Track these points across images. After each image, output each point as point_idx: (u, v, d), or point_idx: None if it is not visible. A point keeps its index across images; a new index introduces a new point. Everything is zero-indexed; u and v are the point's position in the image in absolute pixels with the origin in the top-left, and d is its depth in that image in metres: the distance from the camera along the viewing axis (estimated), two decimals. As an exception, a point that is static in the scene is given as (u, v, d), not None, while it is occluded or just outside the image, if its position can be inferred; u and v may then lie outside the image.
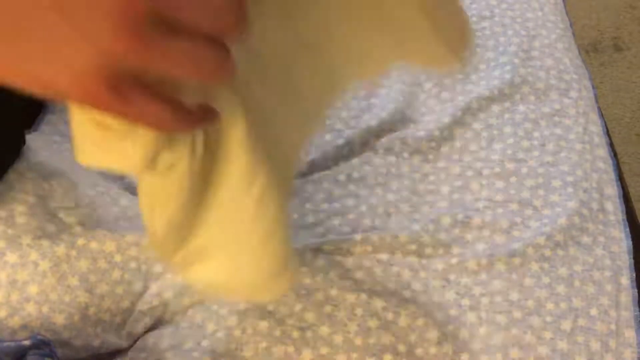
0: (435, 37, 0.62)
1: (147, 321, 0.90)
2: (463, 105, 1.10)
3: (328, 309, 0.89)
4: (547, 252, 0.94)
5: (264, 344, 0.86)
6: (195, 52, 0.40)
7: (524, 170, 1.03)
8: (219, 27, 0.40)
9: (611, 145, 1.11)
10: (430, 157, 1.07)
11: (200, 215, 0.56)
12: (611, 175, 1.05)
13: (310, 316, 0.88)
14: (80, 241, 0.86)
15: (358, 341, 0.86)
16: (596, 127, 1.11)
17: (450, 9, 0.63)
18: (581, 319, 0.89)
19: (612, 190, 1.03)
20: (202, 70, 0.41)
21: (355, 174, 1.02)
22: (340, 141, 1.04)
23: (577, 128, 1.08)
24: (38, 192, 0.87)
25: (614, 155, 1.10)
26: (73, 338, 0.83)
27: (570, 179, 1.01)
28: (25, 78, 0.40)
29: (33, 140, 1.03)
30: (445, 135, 1.08)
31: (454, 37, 0.64)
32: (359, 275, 0.93)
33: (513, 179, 1.02)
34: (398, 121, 1.09)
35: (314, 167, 1.02)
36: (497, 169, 1.03)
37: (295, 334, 0.87)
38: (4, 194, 0.85)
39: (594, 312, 0.90)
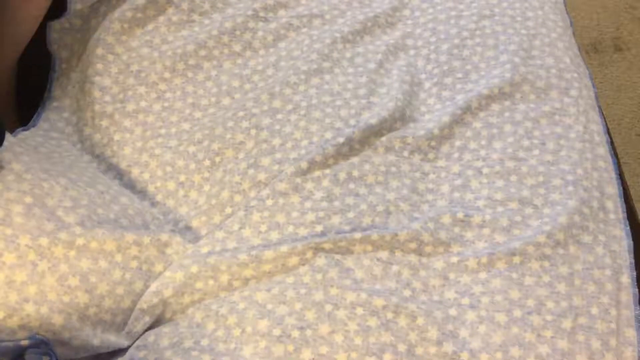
0: None
1: (147, 320, 0.90)
2: (463, 104, 1.10)
3: (328, 308, 0.89)
4: (548, 251, 0.94)
5: (263, 343, 0.86)
6: None
7: (524, 168, 1.02)
8: None
9: (612, 144, 1.11)
10: (430, 155, 1.06)
11: None
12: (612, 173, 1.05)
13: (310, 315, 0.88)
14: (80, 241, 0.86)
15: (358, 340, 0.86)
16: (597, 126, 1.11)
17: None
18: (582, 318, 0.89)
19: (612, 188, 1.03)
20: None
21: (355, 173, 1.02)
22: (340, 139, 1.04)
23: (578, 127, 1.08)
24: (35, 192, 0.87)
25: (615, 154, 1.09)
26: (72, 338, 0.83)
27: (570, 177, 1.01)
28: None
29: (31, 137, 1.03)
30: (445, 134, 1.08)
31: None
32: (358, 274, 0.93)
33: (513, 178, 1.02)
34: (398, 120, 1.09)
35: (314, 165, 1.02)
36: (498, 168, 1.03)
37: (295, 333, 0.86)
38: (1, 194, 0.85)
39: (594, 310, 0.90)
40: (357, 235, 0.94)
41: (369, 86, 1.13)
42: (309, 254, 0.93)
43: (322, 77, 1.14)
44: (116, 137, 1.07)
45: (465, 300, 0.91)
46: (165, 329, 0.89)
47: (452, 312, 0.90)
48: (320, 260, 0.93)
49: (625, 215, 1.01)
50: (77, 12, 1.17)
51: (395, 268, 0.94)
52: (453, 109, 1.09)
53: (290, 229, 0.96)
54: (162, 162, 1.05)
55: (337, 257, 0.94)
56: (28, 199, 0.86)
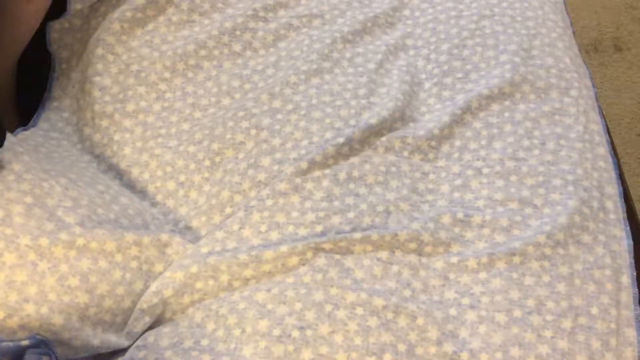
0: None
1: (147, 320, 0.90)
2: (463, 104, 1.10)
3: (328, 308, 0.89)
4: (548, 251, 0.93)
5: (263, 343, 0.86)
6: None
7: (525, 168, 1.02)
8: None
9: (612, 144, 1.11)
10: (430, 155, 1.06)
11: None
12: (612, 173, 1.05)
13: (310, 315, 0.88)
14: (80, 241, 0.86)
15: (358, 340, 0.86)
16: (597, 126, 1.11)
17: None
18: (582, 318, 0.89)
19: (612, 189, 1.03)
20: None
21: (355, 173, 1.02)
22: (340, 140, 1.04)
23: (578, 127, 1.08)
24: (36, 192, 0.87)
25: (615, 154, 1.09)
26: (72, 338, 0.83)
27: (570, 177, 1.01)
28: None
29: (31, 137, 1.03)
30: (445, 134, 1.08)
31: None
32: (358, 274, 0.92)
33: (513, 178, 1.02)
34: (398, 120, 1.09)
35: (314, 165, 1.02)
36: (498, 168, 1.03)
37: (295, 333, 0.86)
38: (1, 194, 0.85)
39: (594, 310, 0.90)
40: (357, 235, 0.94)
41: (369, 86, 1.13)
42: (309, 254, 0.93)
43: (322, 77, 1.14)
44: (116, 137, 1.07)
45: (465, 300, 0.91)
46: (165, 329, 0.89)
47: (452, 312, 0.90)
48: (320, 260, 0.93)
49: (625, 215, 1.01)
50: (77, 12, 1.17)
51: (395, 268, 0.94)
52: (453, 109, 1.09)
53: (290, 229, 0.96)
54: (162, 162, 1.05)
55: (337, 257, 0.94)
56: (28, 199, 0.86)
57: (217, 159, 1.05)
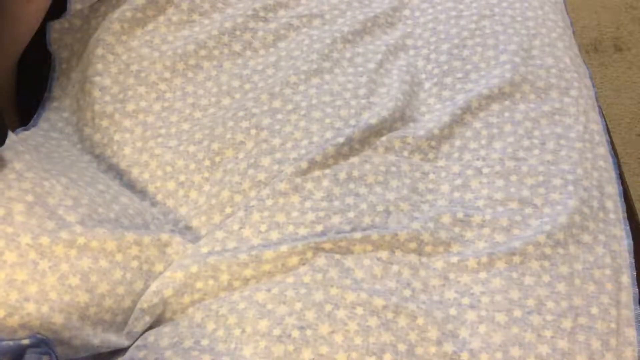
0: None
1: (147, 319, 0.90)
2: (463, 104, 1.10)
3: (328, 307, 0.89)
4: (548, 251, 0.94)
5: (263, 343, 0.86)
6: None
7: (525, 168, 1.02)
8: None
9: (612, 144, 1.11)
10: (430, 155, 1.06)
11: None
12: (612, 173, 1.05)
13: (310, 315, 0.88)
14: (81, 240, 0.86)
15: (358, 340, 0.86)
16: (597, 126, 1.11)
17: None
18: (582, 318, 0.89)
19: (612, 188, 1.03)
20: None
21: (355, 173, 1.02)
22: (341, 139, 1.04)
23: (578, 126, 1.08)
24: (36, 190, 0.87)
25: (615, 154, 1.09)
26: (73, 337, 0.83)
27: (570, 177, 1.01)
28: None
29: (31, 137, 1.03)
30: (445, 133, 1.08)
31: None
32: (359, 273, 0.93)
33: (513, 178, 1.02)
34: (398, 120, 1.09)
35: (314, 165, 1.02)
36: (498, 168, 1.03)
37: (295, 333, 0.86)
38: (2, 192, 0.85)
39: (594, 310, 0.90)
40: (357, 235, 0.94)
41: (369, 86, 1.13)
42: (309, 254, 0.93)
43: (322, 77, 1.14)
44: (116, 137, 1.07)
45: (465, 300, 0.91)
46: (165, 329, 0.90)
47: (452, 312, 0.90)
48: (320, 260, 0.93)
49: (625, 215, 1.01)
50: (77, 12, 1.17)
51: (395, 268, 0.94)
52: (453, 109, 1.10)
53: (290, 228, 0.96)
54: (162, 162, 1.05)
55: (337, 256, 0.94)
56: (29, 198, 0.86)
57: (217, 159, 1.05)
